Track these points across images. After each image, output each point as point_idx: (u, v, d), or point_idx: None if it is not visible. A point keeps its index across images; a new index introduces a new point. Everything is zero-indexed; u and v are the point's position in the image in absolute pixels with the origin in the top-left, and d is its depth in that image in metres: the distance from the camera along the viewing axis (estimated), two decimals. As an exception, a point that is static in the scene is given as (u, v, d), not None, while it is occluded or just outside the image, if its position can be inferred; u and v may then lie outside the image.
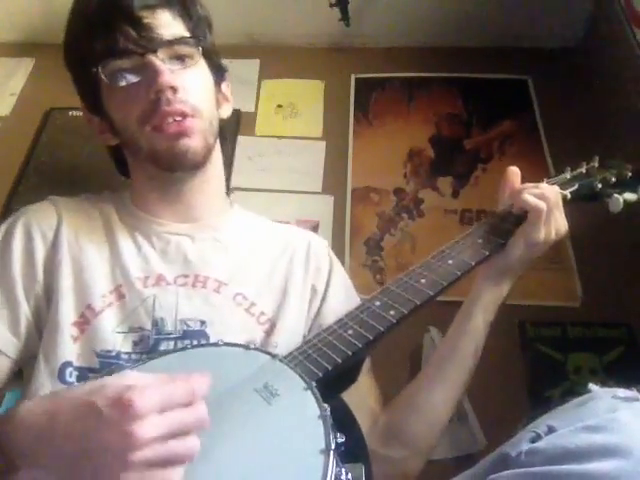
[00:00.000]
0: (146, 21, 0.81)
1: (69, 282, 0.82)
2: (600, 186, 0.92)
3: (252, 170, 1.62)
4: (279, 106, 1.76)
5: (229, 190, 1.61)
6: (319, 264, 0.95)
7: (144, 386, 0.50)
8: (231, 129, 1.63)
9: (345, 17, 1.71)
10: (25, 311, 0.82)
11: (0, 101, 1.80)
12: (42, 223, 0.86)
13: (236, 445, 0.57)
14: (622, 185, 0.91)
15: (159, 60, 0.80)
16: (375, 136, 1.70)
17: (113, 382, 0.51)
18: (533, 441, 0.60)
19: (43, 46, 1.90)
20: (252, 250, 0.94)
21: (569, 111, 1.69)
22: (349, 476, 0.56)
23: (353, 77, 1.80)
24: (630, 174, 0.93)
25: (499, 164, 1.63)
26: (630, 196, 0.91)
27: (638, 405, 0.59)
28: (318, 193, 1.58)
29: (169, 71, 0.81)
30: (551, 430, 0.60)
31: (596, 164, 0.95)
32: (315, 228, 1.51)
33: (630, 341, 1.31)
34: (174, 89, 0.80)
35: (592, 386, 0.66)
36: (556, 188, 0.87)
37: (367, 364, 0.91)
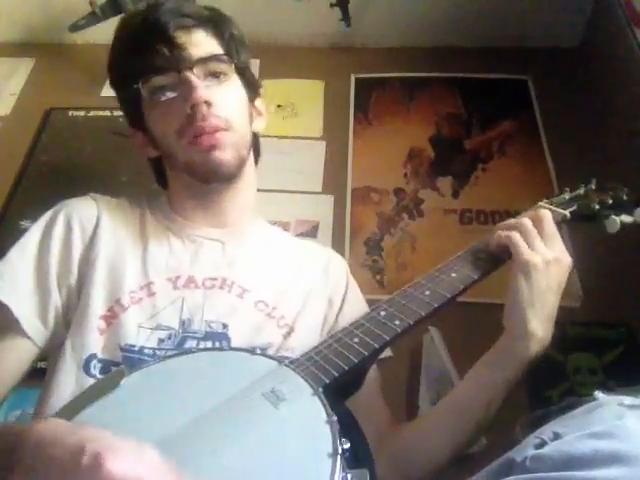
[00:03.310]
0: (181, 40, 0.87)
1: (102, 276, 0.85)
2: (598, 207, 0.94)
3: (252, 170, 1.62)
4: (279, 106, 1.76)
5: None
6: (337, 279, 0.99)
7: (126, 454, 0.49)
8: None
9: (346, 17, 1.71)
10: (55, 300, 0.84)
11: (0, 101, 1.80)
12: (83, 217, 0.90)
13: (243, 447, 0.58)
14: (619, 207, 0.94)
15: (194, 76, 0.85)
16: (375, 136, 1.71)
17: (115, 441, 0.50)
18: (538, 447, 0.59)
19: (43, 46, 1.90)
20: (275, 260, 0.98)
21: (569, 111, 1.69)
22: None
23: (353, 77, 1.80)
24: (626, 197, 0.96)
25: (499, 164, 1.63)
26: (626, 218, 0.93)
27: None
28: (318, 193, 1.58)
29: (204, 86, 0.86)
30: (557, 436, 0.59)
31: (594, 186, 0.99)
32: (315, 228, 1.52)
33: (630, 341, 1.31)
34: (208, 103, 0.85)
35: (598, 394, 0.66)
36: (539, 212, 0.85)
37: (379, 383, 0.93)
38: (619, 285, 1.36)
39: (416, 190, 1.60)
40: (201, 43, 0.89)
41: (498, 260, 0.85)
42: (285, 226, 1.47)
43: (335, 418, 0.58)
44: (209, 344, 0.83)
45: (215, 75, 0.89)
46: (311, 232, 1.51)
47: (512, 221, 0.85)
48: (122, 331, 0.81)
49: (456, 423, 0.83)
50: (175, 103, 0.87)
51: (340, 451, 0.55)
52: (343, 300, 0.97)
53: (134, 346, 0.81)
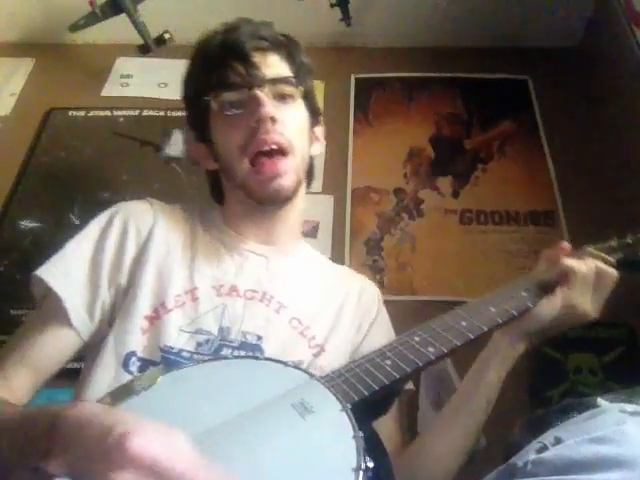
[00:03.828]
0: (256, 60, 0.92)
1: (150, 279, 0.88)
2: None
3: (252, 170, 1.62)
4: (279, 106, 1.76)
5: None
6: (368, 305, 1.01)
7: (153, 435, 0.49)
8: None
9: (346, 17, 1.71)
10: (104, 297, 0.87)
11: (0, 101, 1.80)
12: (139, 221, 0.94)
13: (267, 454, 0.58)
14: None
15: (263, 94, 0.90)
16: (375, 136, 1.71)
17: (144, 422, 0.51)
18: (540, 451, 0.60)
19: (43, 46, 1.90)
20: (313, 281, 1.01)
21: (569, 111, 1.69)
22: None
23: (353, 77, 1.81)
24: None
25: (499, 164, 1.63)
26: None
27: None
28: (318, 193, 1.58)
29: (271, 104, 0.90)
30: (558, 441, 0.60)
31: None
32: (315, 228, 1.52)
33: (630, 341, 1.31)
34: (274, 120, 0.89)
35: (600, 400, 0.66)
36: (595, 264, 0.89)
37: (395, 410, 0.92)
38: (619, 285, 1.36)
39: (416, 190, 1.60)
40: (274, 65, 0.94)
41: (540, 298, 0.85)
42: (285, 226, 1.47)
43: (362, 434, 0.58)
44: (242, 354, 0.85)
45: (282, 97, 0.93)
46: (311, 232, 1.51)
47: (582, 261, 0.86)
48: (163, 332, 0.84)
49: (464, 427, 0.85)
50: (242, 118, 0.90)
51: (364, 467, 0.54)
52: (371, 325, 0.98)
53: (173, 348, 0.83)
